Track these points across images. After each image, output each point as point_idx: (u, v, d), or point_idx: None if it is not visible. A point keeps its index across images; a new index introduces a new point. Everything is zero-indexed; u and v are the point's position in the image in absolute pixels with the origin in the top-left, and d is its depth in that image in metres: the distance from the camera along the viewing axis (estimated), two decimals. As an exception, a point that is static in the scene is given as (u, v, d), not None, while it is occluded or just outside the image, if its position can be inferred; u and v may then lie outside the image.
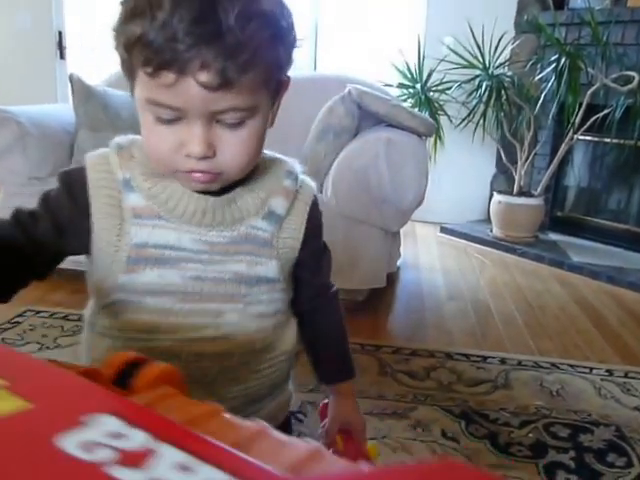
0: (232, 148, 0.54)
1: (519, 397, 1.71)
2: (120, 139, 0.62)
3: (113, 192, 0.59)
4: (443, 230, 3.62)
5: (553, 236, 3.43)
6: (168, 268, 0.59)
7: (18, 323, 1.96)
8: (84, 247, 0.62)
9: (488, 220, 3.56)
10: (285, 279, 0.66)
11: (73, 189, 0.60)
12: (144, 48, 0.49)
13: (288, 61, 0.56)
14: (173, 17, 0.47)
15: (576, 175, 3.46)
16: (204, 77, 0.49)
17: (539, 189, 3.25)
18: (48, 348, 1.79)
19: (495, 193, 3.37)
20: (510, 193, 3.30)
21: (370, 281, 2.26)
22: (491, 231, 3.42)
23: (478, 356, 1.97)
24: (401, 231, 2.66)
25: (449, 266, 3.00)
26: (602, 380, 1.82)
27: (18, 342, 1.83)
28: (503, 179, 3.64)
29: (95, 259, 0.62)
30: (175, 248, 0.59)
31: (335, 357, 0.77)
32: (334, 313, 0.77)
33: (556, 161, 3.17)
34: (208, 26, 0.48)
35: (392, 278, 2.60)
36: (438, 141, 3.42)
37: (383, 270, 2.27)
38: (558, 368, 1.90)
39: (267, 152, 0.65)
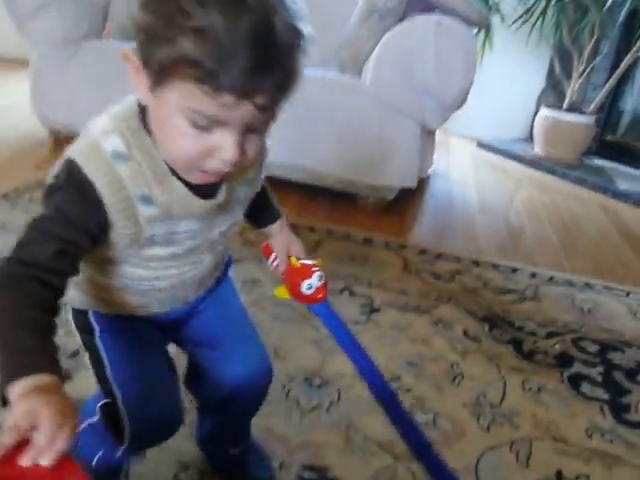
0: (254, 148, 0.61)
1: (548, 310, 1.65)
2: (114, 144, 0.63)
3: (129, 207, 0.64)
4: (480, 145, 3.47)
5: (599, 162, 3.27)
6: (172, 246, 0.70)
7: (32, 185, 2.02)
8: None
9: (529, 139, 3.40)
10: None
11: (89, 202, 0.62)
12: (199, 67, 0.52)
13: None
14: (230, 37, 0.51)
15: (635, 97, 3.24)
16: (260, 100, 0.55)
17: (592, 107, 3.06)
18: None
19: (542, 107, 3.19)
20: (559, 108, 3.12)
21: (401, 179, 2.16)
22: (532, 150, 3.27)
23: (507, 267, 1.90)
24: (435, 139, 2.54)
25: (483, 181, 2.89)
26: None
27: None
28: (552, 94, 3.43)
29: (106, 246, 0.67)
30: (181, 232, 0.69)
31: (265, 210, 0.91)
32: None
33: (615, 77, 2.96)
34: (266, 51, 0.53)
35: (422, 184, 2.51)
36: (487, 42, 3.20)
37: (415, 170, 2.17)
38: (592, 288, 1.83)
39: None
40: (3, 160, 2.28)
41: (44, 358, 0.54)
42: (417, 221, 2.27)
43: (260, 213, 0.90)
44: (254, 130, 0.60)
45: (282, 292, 0.88)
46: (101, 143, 0.62)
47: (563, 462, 1.09)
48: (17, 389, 0.50)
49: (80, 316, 0.79)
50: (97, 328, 0.78)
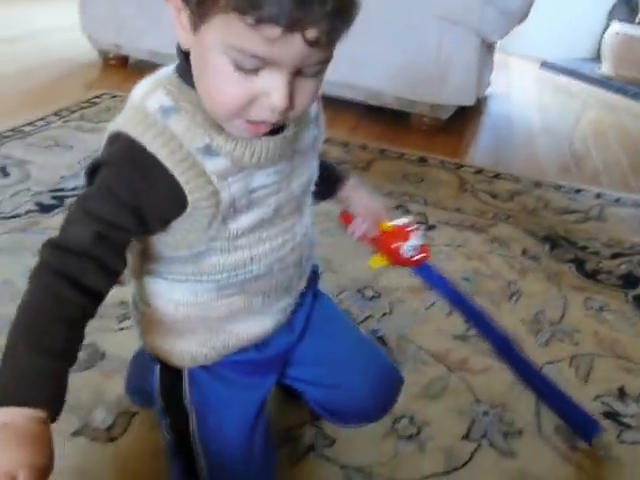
0: (304, 97, 0.54)
1: (613, 231, 1.58)
2: (160, 100, 0.56)
3: (194, 165, 0.56)
4: (544, 66, 3.28)
5: (674, 81, 3.05)
6: (256, 209, 0.61)
7: (95, 104, 2.07)
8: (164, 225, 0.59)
9: (597, 59, 3.18)
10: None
11: (145, 171, 0.55)
12: None
13: None
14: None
15: None
16: (312, 34, 0.48)
17: (670, 20, 2.83)
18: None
19: (614, 22, 2.97)
20: (632, 22, 2.89)
21: (458, 97, 2.07)
22: (600, 69, 3.07)
23: (570, 188, 1.82)
24: (494, 57, 2.41)
25: (546, 103, 2.74)
26: None
27: (94, 119, 1.94)
28: (625, 8, 3.18)
29: (180, 224, 0.59)
30: (259, 189, 0.61)
31: (329, 174, 0.80)
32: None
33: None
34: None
35: (480, 105, 2.40)
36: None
37: (473, 87, 2.07)
38: (664, 210, 1.73)
39: None
40: (54, 80, 2.30)
41: (44, 386, 0.48)
42: (474, 142, 2.18)
43: (323, 178, 0.78)
44: (307, 74, 0.52)
45: (377, 261, 0.80)
46: (145, 104, 0.56)
47: (627, 379, 1.06)
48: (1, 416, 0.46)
49: (167, 375, 0.72)
50: (187, 383, 0.70)
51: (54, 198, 1.45)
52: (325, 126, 0.70)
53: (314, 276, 0.79)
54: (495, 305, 1.22)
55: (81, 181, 1.52)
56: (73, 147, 1.74)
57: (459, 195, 1.68)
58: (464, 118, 2.23)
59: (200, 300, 0.65)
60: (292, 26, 0.46)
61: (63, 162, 1.64)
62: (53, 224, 1.33)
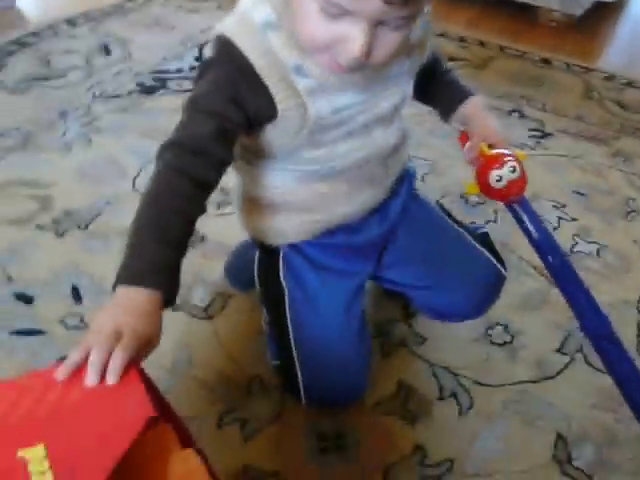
0: (384, 49, 0.56)
1: None
2: (266, 14, 0.60)
3: (285, 77, 0.61)
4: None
5: None
6: (342, 126, 0.66)
7: None
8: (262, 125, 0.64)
9: None
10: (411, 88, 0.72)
11: (245, 75, 0.60)
12: None
13: None
14: None
15: None
16: None
17: None
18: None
19: None
20: None
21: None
22: None
23: None
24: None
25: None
26: None
27: None
28: None
29: (270, 129, 0.64)
30: (344, 109, 0.65)
31: (452, 86, 0.80)
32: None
33: None
34: None
35: (621, 2, 2.16)
36: None
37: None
38: None
39: None
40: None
41: (161, 272, 0.53)
42: (608, 44, 1.99)
43: (445, 94, 0.79)
44: (389, 26, 0.54)
45: (472, 187, 0.76)
46: (251, 14, 0.60)
47: None
48: (120, 293, 0.51)
49: (265, 259, 0.78)
50: (283, 268, 0.76)
51: (156, 80, 1.48)
52: (432, 44, 0.72)
53: (408, 175, 0.81)
54: (608, 223, 1.16)
55: (184, 63, 1.56)
56: (175, 28, 1.75)
57: (583, 102, 1.56)
58: (600, 16, 2.02)
59: (290, 184, 0.71)
60: None
61: (164, 43, 1.66)
62: (155, 105, 1.37)
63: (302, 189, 0.71)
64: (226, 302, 0.94)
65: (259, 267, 0.80)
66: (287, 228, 0.74)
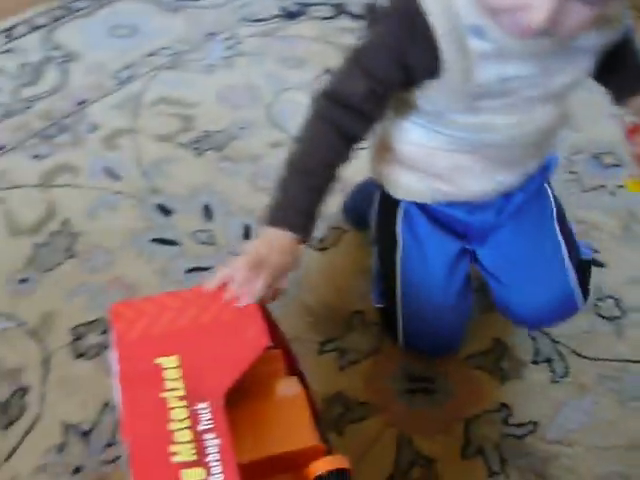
0: (571, 22, 0.54)
1: None
2: None
3: (460, 38, 0.60)
4: None
5: None
6: (507, 97, 0.65)
7: None
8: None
9: None
10: (589, 69, 0.68)
11: (416, 32, 0.60)
12: None
13: None
14: None
15: None
16: None
17: None
18: None
19: None
20: None
21: None
22: None
23: None
24: None
25: None
26: None
27: None
28: None
29: (431, 87, 0.64)
30: (514, 79, 0.63)
31: (637, 70, 0.75)
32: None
33: None
34: None
35: None
36: None
37: None
38: None
39: None
40: None
41: (302, 217, 0.61)
42: None
43: (622, 76, 0.74)
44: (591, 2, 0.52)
45: (635, 185, 0.75)
46: None
47: None
48: (267, 231, 0.61)
49: (386, 204, 0.81)
50: (400, 219, 0.79)
51: (298, 4, 1.50)
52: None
53: (546, 168, 0.80)
54: None
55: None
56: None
57: None
58: None
59: (432, 146, 0.71)
60: None
61: None
62: (296, 31, 1.40)
63: (440, 155, 0.71)
64: (340, 237, 1.00)
65: (378, 212, 0.83)
66: (413, 188, 0.76)
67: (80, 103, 1.20)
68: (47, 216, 1.00)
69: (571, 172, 1.09)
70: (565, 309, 0.81)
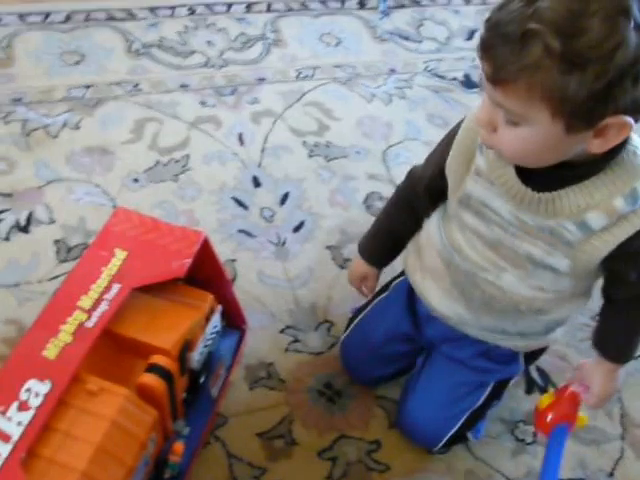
0: (503, 139, 0.64)
1: None
2: None
3: (470, 150, 0.73)
4: None
5: None
6: (481, 220, 0.76)
7: None
8: None
9: None
10: (577, 275, 0.74)
11: (449, 138, 0.77)
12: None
13: (600, 101, 0.56)
14: (488, 20, 0.59)
15: None
16: (486, 67, 0.60)
17: None
18: None
19: None
20: None
21: None
22: None
23: None
24: None
25: None
26: None
27: None
28: None
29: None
30: (493, 211, 0.73)
31: (619, 340, 0.82)
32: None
33: None
34: (504, 29, 0.56)
35: None
36: None
37: None
38: None
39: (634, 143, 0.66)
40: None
41: (380, 255, 0.97)
42: None
43: (614, 335, 0.82)
44: (503, 116, 0.61)
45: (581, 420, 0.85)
46: None
47: None
48: (359, 259, 0.97)
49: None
50: (397, 283, 0.99)
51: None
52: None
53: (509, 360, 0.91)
54: None
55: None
56: None
57: None
58: None
59: (431, 240, 0.86)
60: (480, 55, 0.62)
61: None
62: (464, 100, 1.56)
63: (431, 252, 0.86)
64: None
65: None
66: (409, 268, 0.93)
67: (259, 79, 1.52)
68: (179, 146, 1.34)
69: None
70: (427, 442, 0.94)
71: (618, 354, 0.82)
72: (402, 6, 1.82)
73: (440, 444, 0.92)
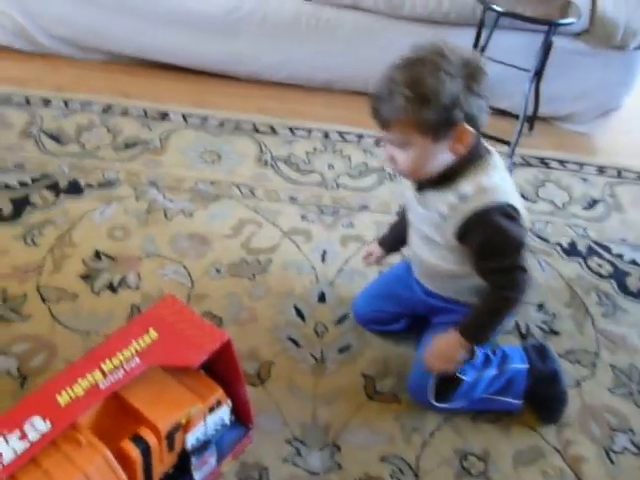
0: (400, 162, 1.02)
1: None
2: None
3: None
4: None
5: None
6: (409, 211, 1.18)
7: None
8: None
9: None
10: (449, 247, 1.09)
11: None
12: None
13: (443, 119, 0.95)
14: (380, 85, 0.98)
15: None
16: (377, 122, 1.00)
17: None
18: None
19: None
20: None
21: None
22: None
23: None
24: None
25: None
26: None
27: None
28: None
29: None
30: (407, 199, 1.17)
31: (470, 317, 1.11)
32: (493, 303, 1.09)
33: None
34: (379, 95, 0.97)
35: None
36: None
37: None
38: None
39: (482, 155, 1.05)
40: None
41: (388, 241, 1.33)
42: None
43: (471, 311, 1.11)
44: (395, 144, 1.00)
45: None
46: None
47: None
48: (376, 243, 1.36)
49: None
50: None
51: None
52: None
53: (452, 309, 1.18)
54: None
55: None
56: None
57: None
58: None
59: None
60: (370, 112, 1.00)
61: None
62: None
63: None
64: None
65: None
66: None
67: (363, 207, 1.67)
68: (267, 250, 1.51)
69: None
70: (417, 399, 1.21)
71: (464, 327, 1.09)
72: (528, 165, 1.89)
73: (429, 393, 1.17)
